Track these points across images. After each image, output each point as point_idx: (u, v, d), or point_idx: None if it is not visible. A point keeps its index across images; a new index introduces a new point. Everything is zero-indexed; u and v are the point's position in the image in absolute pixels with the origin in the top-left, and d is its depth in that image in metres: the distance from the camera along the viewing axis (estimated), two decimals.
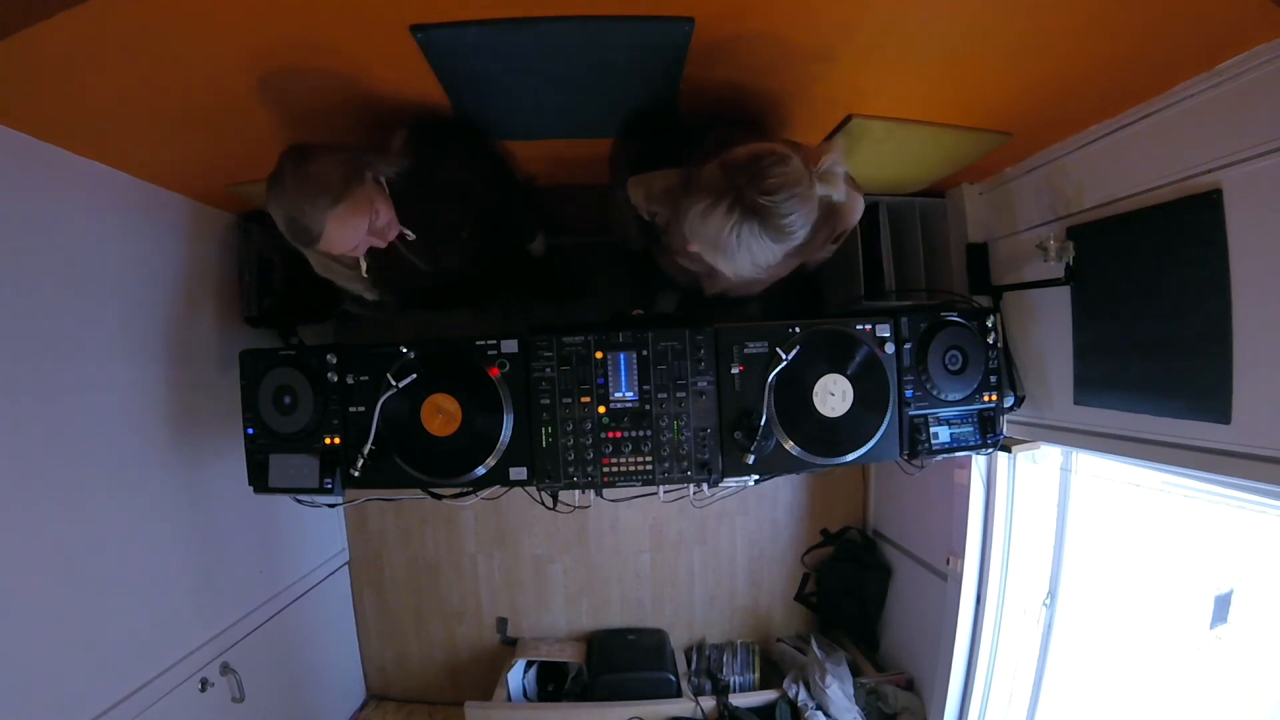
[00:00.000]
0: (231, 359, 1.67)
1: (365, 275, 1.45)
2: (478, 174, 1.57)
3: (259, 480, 1.64)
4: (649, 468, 1.61)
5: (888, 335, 1.64)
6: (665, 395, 1.60)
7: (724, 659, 2.73)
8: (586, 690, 2.55)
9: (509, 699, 2.52)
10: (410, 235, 1.43)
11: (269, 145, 1.51)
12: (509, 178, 1.76)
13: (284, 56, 1.16)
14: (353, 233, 1.27)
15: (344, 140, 1.33)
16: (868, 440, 1.64)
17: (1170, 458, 1.41)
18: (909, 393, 1.67)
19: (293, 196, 1.20)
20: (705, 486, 1.67)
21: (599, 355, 1.60)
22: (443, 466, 1.59)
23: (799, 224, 1.13)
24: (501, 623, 2.86)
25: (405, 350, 1.57)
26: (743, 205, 1.08)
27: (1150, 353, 1.43)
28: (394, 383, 1.55)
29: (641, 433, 1.60)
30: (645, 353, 1.61)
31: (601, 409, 1.60)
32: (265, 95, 1.28)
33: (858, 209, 1.36)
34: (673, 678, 2.52)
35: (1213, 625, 1.79)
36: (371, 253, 1.44)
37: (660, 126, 1.54)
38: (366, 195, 1.27)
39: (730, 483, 1.70)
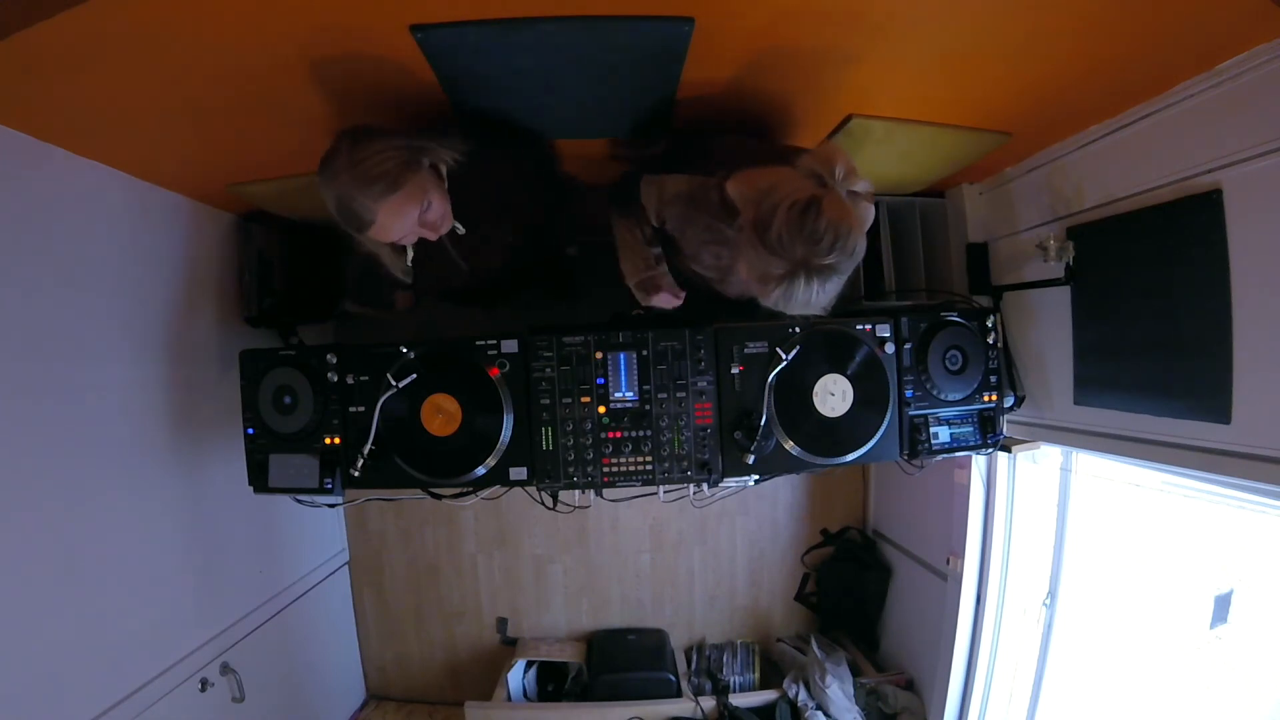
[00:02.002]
0: (231, 359, 1.67)
1: (409, 266, 1.44)
2: (535, 183, 1.55)
3: (259, 480, 1.64)
4: (649, 468, 1.61)
5: (888, 335, 1.64)
6: (665, 395, 1.60)
7: (724, 659, 2.73)
8: (586, 690, 2.55)
9: (509, 699, 2.52)
10: (460, 229, 1.40)
11: (269, 144, 1.52)
12: (560, 188, 1.72)
13: (284, 56, 1.16)
14: (404, 222, 1.25)
15: (397, 124, 1.30)
16: (868, 440, 1.64)
17: (1170, 458, 1.41)
18: (909, 393, 1.67)
19: (345, 182, 1.18)
20: (705, 486, 1.67)
21: (599, 355, 1.61)
22: (443, 466, 1.59)
23: (862, 246, 1.15)
24: (501, 623, 2.86)
25: (405, 350, 1.57)
26: (816, 271, 1.10)
27: (1150, 353, 1.43)
28: (394, 383, 1.55)
29: (641, 433, 1.60)
30: (645, 353, 1.61)
31: (601, 409, 1.60)
32: (266, 94, 1.27)
33: (871, 211, 1.37)
34: (673, 678, 2.52)
35: (1213, 625, 1.79)
36: (421, 242, 1.42)
37: (667, 129, 1.55)
38: (420, 185, 1.25)
39: (730, 483, 1.70)
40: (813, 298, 1.13)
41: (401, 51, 1.14)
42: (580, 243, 2.28)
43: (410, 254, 1.43)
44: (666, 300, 1.56)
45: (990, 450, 1.77)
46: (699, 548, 2.89)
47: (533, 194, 1.58)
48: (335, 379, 1.60)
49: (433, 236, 1.34)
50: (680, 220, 1.42)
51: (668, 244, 1.57)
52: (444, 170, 1.32)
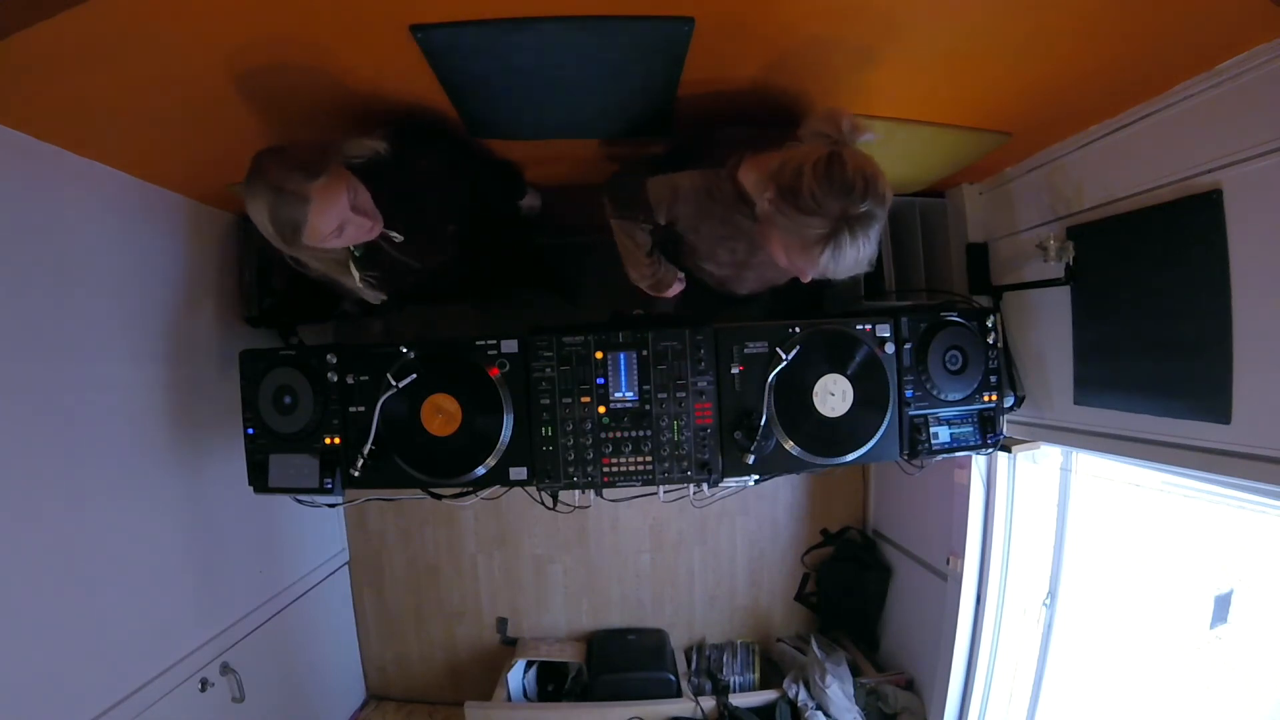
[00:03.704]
0: (231, 359, 1.67)
1: (356, 273, 1.44)
2: (446, 164, 1.55)
3: (259, 480, 1.63)
4: (649, 468, 1.61)
5: (888, 335, 1.64)
6: (665, 395, 1.60)
7: (724, 659, 2.73)
8: (586, 690, 2.55)
9: (509, 699, 2.52)
10: (397, 237, 1.42)
11: (268, 144, 1.52)
12: (475, 158, 1.72)
13: (285, 55, 1.16)
14: (335, 210, 1.26)
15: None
16: (868, 440, 1.64)
17: (1170, 458, 1.41)
18: (909, 393, 1.66)
19: (271, 181, 1.19)
20: (705, 486, 1.67)
21: (599, 355, 1.60)
22: (443, 466, 1.59)
23: (889, 191, 1.13)
24: (501, 623, 2.86)
25: (405, 350, 1.57)
26: (857, 221, 1.10)
27: (1150, 353, 1.43)
28: (394, 383, 1.55)
29: (641, 433, 1.60)
30: (645, 353, 1.60)
31: (601, 409, 1.60)
32: (266, 93, 1.28)
33: None
34: (673, 678, 2.52)
35: (1213, 625, 1.79)
36: (366, 255, 1.43)
37: (668, 128, 1.55)
38: (341, 173, 1.27)
39: (730, 483, 1.70)
40: (859, 252, 1.13)
41: (402, 51, 1.14)
42: (572, 244, 2.29)
43: (356, 274, 1.44)
44: (676, 289, 1.63)
45: (990, 450, 1.77)
46: (699, 548, 2.89)
47: (455, 179, 1.57)
48: (335, 379, 1.60)
49: (369, 231, 1.34)
50: (695, 217, 1.42)
51: (675, 245, 1.57)
52: (354, 168, 1.32)
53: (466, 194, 1.62)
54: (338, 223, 1.28)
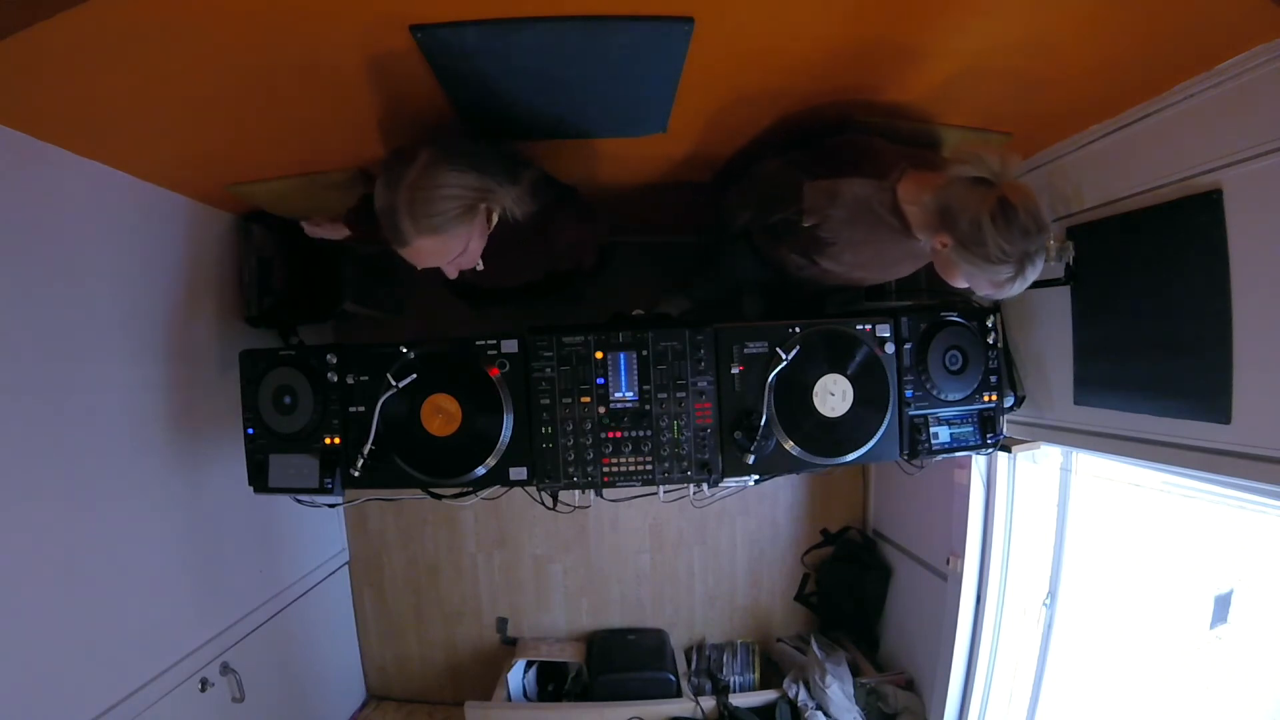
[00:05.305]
0: (231, 359, 1.67)
1: None
2: (578, 243, 1.57)
3: (259, 480, 1.63)
4: (649, 468, 1.61)
5: (888, 335, 1.64)
6: (665, 395, 1.60)
7: (724, 659, 2.73)
8: (586, 690, 2.55)
9: (509, 699, 2.52)
10: (480, 267, 1.41)
11: (269, 144, 1.52)
12: (595, 247, 1.73)
13: (284, 57, 1.16)
14: (436, 259, 1.28)
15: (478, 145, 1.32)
16: (868, 440, 1.64)
17: (1170, 458, 1.41)
18: (909, 393, 1.66)
19: (401, 199, 1.19)
20: (705, 486, 1.67)
21: (599, 355, 1.60)
22: (443, 466, 1.59)
23: (1047, 209, 1.28)
24: (501, 623, 2.86)
25: (405, 350, 1.57)
26: (1036, 254, 1.25)
27: (1150, 353, 1.42)
28: (394, 383, 1.55)
29: (641, 433, 1.60)
30: (645, 353, 1.60)
31: (601, 409, 1.60)
32: (265, 95, 1.27)
33: None
34: (673, 678, 2.52)
35: (1213, 625, 1.79)
36: None
37: (664, 127, 1.55)
38: (466, 234, 1.26)
39: (730, 483, 1.70)
40: (1038, 272, 1.28)
41: (401, 52, 1.14)
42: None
43: None
44: None
45: (990, 450, 1.77)
46: (699, 548, 2.89)
47: (574, 256, 1.60)
48: (335, 379, 1.60)
49: (453, 274, 1.35)
50: (845, 221, 1.44)
51: (785, 233, 1.59)
52: (495, 218, 1.31)
53: (566, 269, 1.64)
54: (431, 265, 1.30)
